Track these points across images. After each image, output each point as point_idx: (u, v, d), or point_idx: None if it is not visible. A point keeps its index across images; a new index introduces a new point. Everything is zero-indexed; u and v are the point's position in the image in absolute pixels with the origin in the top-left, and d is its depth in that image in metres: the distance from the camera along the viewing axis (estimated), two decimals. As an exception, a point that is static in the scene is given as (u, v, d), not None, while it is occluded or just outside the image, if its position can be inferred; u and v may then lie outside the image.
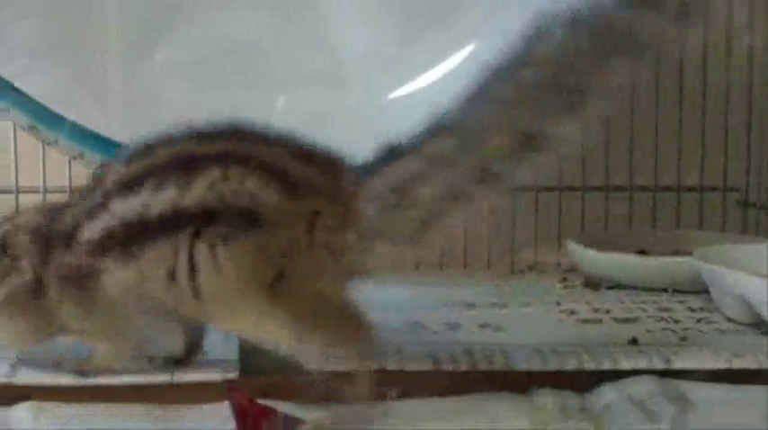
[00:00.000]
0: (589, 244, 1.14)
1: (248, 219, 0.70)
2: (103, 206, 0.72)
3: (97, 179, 0.75)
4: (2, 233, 0.75)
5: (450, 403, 0.75)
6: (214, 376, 0.76)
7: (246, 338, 0.74)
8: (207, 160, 0.71)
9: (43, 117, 0.99)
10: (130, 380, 0.76)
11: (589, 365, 0.79)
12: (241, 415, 0.70)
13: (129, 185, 0.71)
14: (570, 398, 0.75)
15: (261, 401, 0.73)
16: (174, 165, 0.71)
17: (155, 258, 0.71)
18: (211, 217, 0.70)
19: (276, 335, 0.71)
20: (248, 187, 0.70)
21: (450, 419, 0.72)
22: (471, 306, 1.02)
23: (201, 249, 0.70)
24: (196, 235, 0.70)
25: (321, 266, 0.71)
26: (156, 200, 0.70)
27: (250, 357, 0.80)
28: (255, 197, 0.70)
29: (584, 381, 0.77)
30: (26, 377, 0.75)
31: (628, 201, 1.30)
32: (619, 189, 1.30)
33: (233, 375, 0.76)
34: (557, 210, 1.27)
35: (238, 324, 0.72)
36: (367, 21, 1.16)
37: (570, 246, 1.16)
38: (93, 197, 0.73)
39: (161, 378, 0.76)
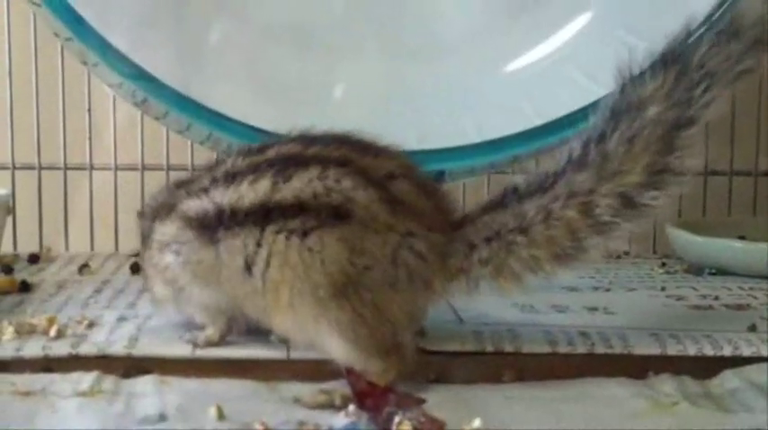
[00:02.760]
0: (689, 229, 1.12)
1: (337, 214, 0.70)
2: (206, 191, 0.74)
3: (214, 164, 0.77)
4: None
5: (566, 387, 0.74)
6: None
7: (295, 339, 0.74)
8: (309, 160, 0.72)
9: (155, 91, 1.00)
10: (248, 354, 0.76)
11: (709, 351, 0.78)
12: (359, 395, 0.70)
13: (232, 176, 0.73)
14: (691, 384, 0.73)
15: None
16: (277, 162, 0.72)
17: (235, 246, 0.72)
18: (301, 211, 0.70)
19: (327, 340, 0.71)
20: (344, 186, 0.71)
21: (568, 403, 0.71)
22: (573, 289, 1.00)
23: (278, 240, 0.70)
24: (280, 229, 0.71)
25: (398, 288, 0.71)
26: (251, 191, 0.72)
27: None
28: (349, 195, 0.70)
29: (701, 367, 0.76)
30: (145, 349, 0.76)
31: (726, 186, 1.27)
32: (716, 173, 1.27)
33: (347, 354, 0.76)
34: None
35: (294, 321, 0.72)
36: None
37: (670, 231, 1.14)
38: (201, 181, 0.75)
39: (277, 354, 0.76)
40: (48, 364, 0.73)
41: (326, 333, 0.71)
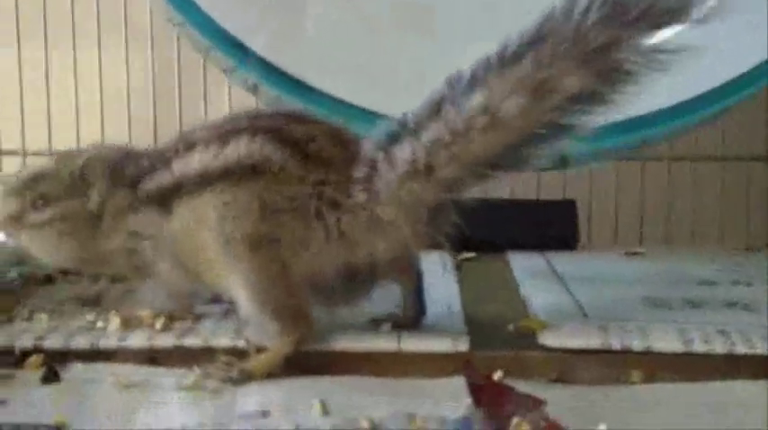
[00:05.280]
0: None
1: (253, 172, 0.72)
2: (167, 162, 0.75)
3: (180, 138, 0.78)
4: (87, 157, 0.78)
5: (702, 390, 0.68)
6: (443, 347, 0.72)
7: (224, 297, 0.75)
8: (244, 130, 0.74)
9: (223, 42, 0.97)
10: (356, 346, 0.73)
11: None
12: (478, 392, 0.66)
13: (188, 147, 0.75)
14: None
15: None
16: (224, 132, 0.74)
17: (181, 215, 0.74)
18: (226, 174, 0.73)
19: (236, 294, 0.72)
20: (264, 148, 0.73)
21: (704, 409, 0.65)
22: (710, 283, 0.93)
23: (205, 201, 0.73)
24: (209, 192, 0.73)
25: (312, 245, 0.71)
26: (194, 161, 0.74)
27: (478, 329, 0.76)
28: (266, 155, 0.72)
29: None
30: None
31: None
32: None
33: (464, 348, 0.72)
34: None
35: (217, 277, 0.73)
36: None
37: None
38: (167, 151, 0.77)
39: (389, 346, 0.73)
40: (152, 356, 0.72)
41: (236, 286, 0.72)
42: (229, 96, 1.19)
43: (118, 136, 1.18)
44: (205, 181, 0.73)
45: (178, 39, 1.16)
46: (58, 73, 1.20)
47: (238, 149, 0.73)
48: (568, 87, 0.67)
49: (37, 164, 0.83)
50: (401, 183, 0.70)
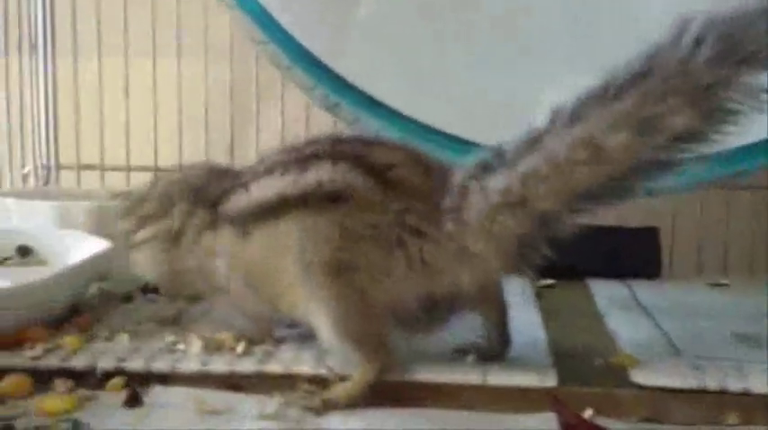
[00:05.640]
0: None
1: (334, 199, 0.71)
2: (245, 185, 0.75)
3: (261, 160, 0.78)
4: (171, 178, 0.80)
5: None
6: (530, 381, 0.70)
7: (301, 323, 0.74)
8: (325, 156, 0.73)
9: (304, 61, 0.97)
10: (442, 378, 0.71)
11: None
12: (566, 428, 0.63)
13: (268, 170, 0.75)
14: None
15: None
16: (304, 157, 0.74)
17: (260, 238, 0.73)
18: (307, 201, 0.72)
19: (315, 321, 0.71)
20: (346, 176, 0.71)
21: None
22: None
23: (285, 227, 0.72)
24: (289, 218, 0.72)
25: (393, 274, 0.70)
26: (274, 185, 0.73)
27: (565, 362, 0.74)
28: (348, 182, 0.71)
29: None
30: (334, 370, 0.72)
31: None
32: None
33: (551, 382, 0.70)
34: None
35: (293, 303, 0.72)
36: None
37: None
38: (248, 172, 0.77)
39: (474, 378, 0.70)
40: (234, 382, 0.71)
41: (316, 313, 0.71)
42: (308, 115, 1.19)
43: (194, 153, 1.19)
44: (285, 206, 0.72)
45: (257, 55, 1.16)
46: (137, 87, 1.21)
47: (319, 175, 0.72)
48: (674, 125, 0.65)
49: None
50: (493, 214, 0.68)
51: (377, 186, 0.71)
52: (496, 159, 0.69)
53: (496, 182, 0.68)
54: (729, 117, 0.66)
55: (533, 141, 0.68)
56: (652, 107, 0.65)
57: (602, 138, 0.66)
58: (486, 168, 0.69)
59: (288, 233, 0.71)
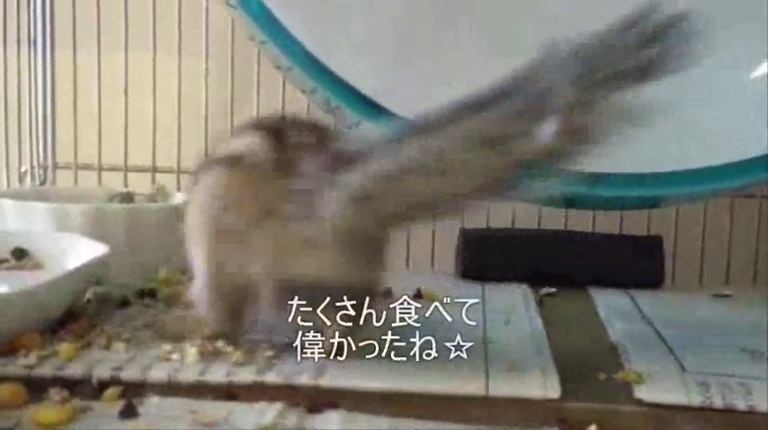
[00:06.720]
0: None
1: (232, 162, 0.74)
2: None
3: None
4: None
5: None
6: (534, 393, 0.69)
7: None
8: (254, 128, 0.76)
9: (306, 63, 0.96)
10: (442, 389, 0.70)
11: None
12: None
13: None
14: None
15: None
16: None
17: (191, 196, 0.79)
18: (215, 163, 0.75)
19: (197, 270, 0.75)
20: (252, 143, 0.74)
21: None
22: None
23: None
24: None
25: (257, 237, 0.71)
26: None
27: (567, 373, 0.73)
28: (250, 148, 0.73)
29: None
30: (335, 380, 0.70)
31: None
32: None
33: (554, 394, 0.69)
34: None
35: (191, 259, 0.76)
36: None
37: None
38: None
39: (474, 389, 0.69)
40: (232, 391, 0.69)
41: (195, 268, 0.75)
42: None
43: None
44: (208, 165, 0.76)
45: (258, 55, 1.15)
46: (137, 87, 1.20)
47: (235, 145, 0.75)
48: (528, 146, 0.65)
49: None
50: (341, 208, 0.69)
51: (270, 154, 0.73)
52: (363, 153, 0.70)
53: (351, 175, 0.69)
54: (591, 136, 0.65)
55: (395, 141, 0.69)
56: (507, 126, 0.65)
57: (448, 153, 0.66)
58: (345, 161, 0.70)
59: (199, 190, 0.75)
